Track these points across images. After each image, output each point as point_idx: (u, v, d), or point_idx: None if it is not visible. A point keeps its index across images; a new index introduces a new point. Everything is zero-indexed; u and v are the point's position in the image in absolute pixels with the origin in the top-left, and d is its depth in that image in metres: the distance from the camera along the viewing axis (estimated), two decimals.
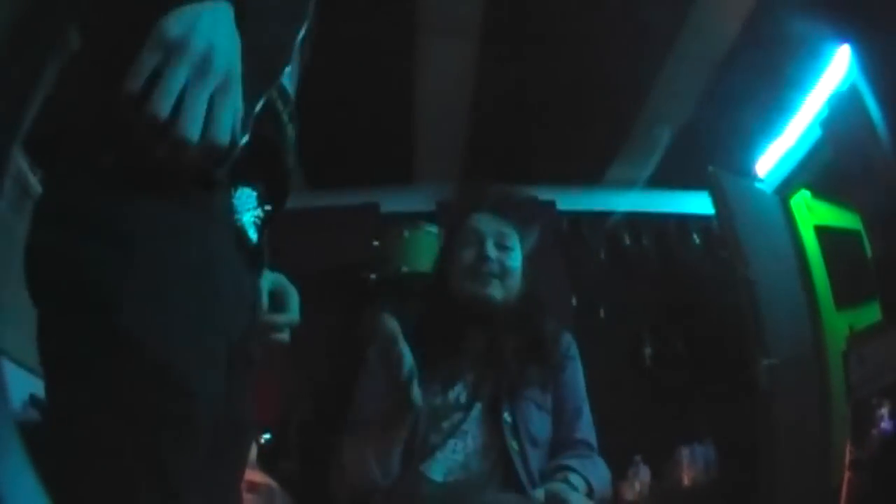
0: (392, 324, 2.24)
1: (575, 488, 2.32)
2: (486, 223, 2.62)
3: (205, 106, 1.09)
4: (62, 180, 1.25)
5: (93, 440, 1.16)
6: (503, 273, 2.55)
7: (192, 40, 1.08)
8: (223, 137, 1.12)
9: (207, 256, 1.29)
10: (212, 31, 1.11)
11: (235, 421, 1.47)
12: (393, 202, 5.32)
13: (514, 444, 2.42)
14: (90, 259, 1.18)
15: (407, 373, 2.19)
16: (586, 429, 2.57)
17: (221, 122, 1.11)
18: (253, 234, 1.49)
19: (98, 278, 1.18)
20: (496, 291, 2.54)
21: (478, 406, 2.46)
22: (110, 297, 1.17)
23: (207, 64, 1.09)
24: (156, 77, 1.06)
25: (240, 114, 1.16)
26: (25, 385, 2.38)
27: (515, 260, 2.60)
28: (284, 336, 1.55)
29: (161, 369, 1.18)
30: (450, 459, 2.37)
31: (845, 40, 3.83)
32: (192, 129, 1.08)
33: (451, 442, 2.39)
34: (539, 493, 2.28)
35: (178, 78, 1.07)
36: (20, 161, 2.25)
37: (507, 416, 2.45)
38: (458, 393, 2.48)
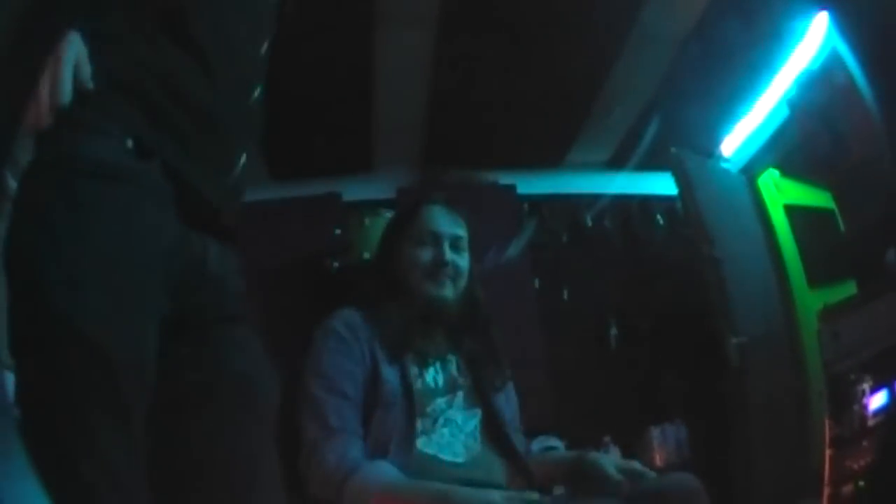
0: None
1: None
2: (443, 222, 2.68)
3: None
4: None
5: (32, 414, 1.27)
6: (456, 274, 2.63)
7: None
8: None
9: (130, 229, 1.41)
10: None
11: (239, 377, 1.50)
12: (354, 191, 5.30)
13: (508, 432, 2.54)
14: (22, 241, 1.34)
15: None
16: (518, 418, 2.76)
17: None
18: (209, 193, 1.59)
19: (26, 257, 1.33)
20: (448, 292, 2.62)
21: (459, 394, 2.53)
22: (35, 275, 1.31)
23: None
24: None
25: None
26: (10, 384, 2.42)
27: (466, 261, 2.69)
28: None
29: (81, 339, 1.29)
30: (451, 442, 2.41)
31: (824, 7, 3.83)
32: None
33: (446, 430, 2.43)
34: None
35: None
36: None
37: (495, 404, 2.58)
38: (434, 377, 2.53)
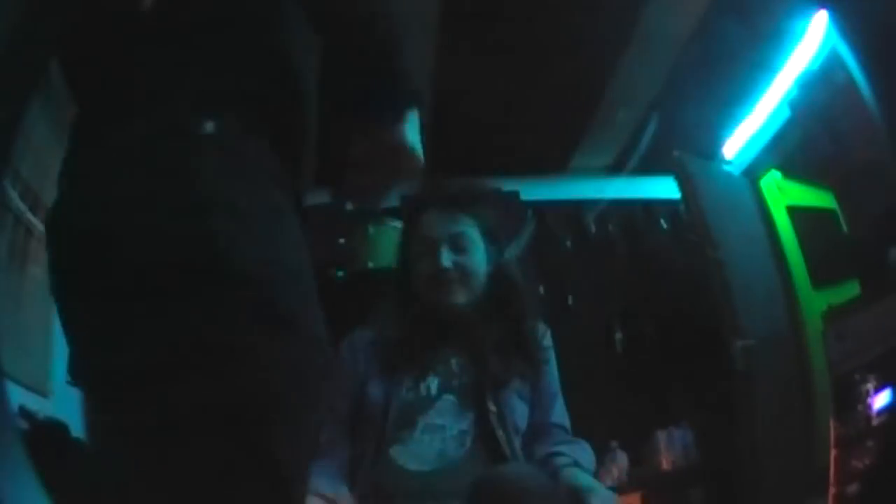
0: None
1: (588, 471, 2.36)
2: (438, 226, 2.58)
3: None
4: None
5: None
6: (463, 277, 2.52)
7: None
8: None
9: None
10: None
11: None
12: None
13: (501, 434, 2.38)
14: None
15: None
16: (561, 414, 2.57)
17: None
18: None
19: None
20: (459, 297, 2.51)
21: (448, 398, 2.43)
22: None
23: None
24: None
25: None
26: (14, 397, 2.44)
27: (475, 259, 2.57)
28: None
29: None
30: (425, 450, 2.33)
31: (823, 6, 3.83)
32: None
33: (426, 436, 2.35)
34: (564, 478, 2.28)
35: None
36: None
37: (491, 406, 2.41)
38: (430, 385, 2.45)
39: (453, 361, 2.50)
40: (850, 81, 3.40)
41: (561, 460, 2.36)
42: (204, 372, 1.11)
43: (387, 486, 2.26)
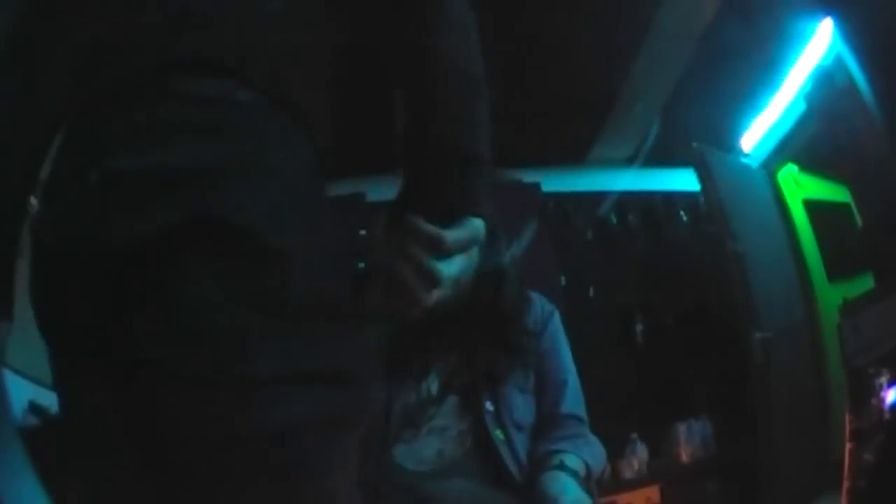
0: None
1: (574, 473, 2.21)
2: None
3: None
4: None
5: None
6: None
7: None
8: None
9: None
10: None
11: None
12: (379, 191, 5.28)
13: (498, 433, 2.30)
14: None
15: None
16: (573, 402, 2.40)
17: None
18: None
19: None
20: (435, 298, 2.44)
21: (452, 399, 2.35)
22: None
23: None
24: None
25: None
26: (24, 392, 2.42)
27: (451, 259, 2.48)
28: None
29: None
30: (425, 450, 2.27)
31: (828, 13, 3.83)
32: None
33: (430, 437, 2.29)
34: (538, 484, 2.18)
35: None
36: None
37: (488, 405, 2.33)
38: (431, 385, 2.38)
39: (453, 359, 2.46)
40: (852, 81, 3.40)
41: (552, 460, 2.24)
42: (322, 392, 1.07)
43: (383, 486, 2.24)
